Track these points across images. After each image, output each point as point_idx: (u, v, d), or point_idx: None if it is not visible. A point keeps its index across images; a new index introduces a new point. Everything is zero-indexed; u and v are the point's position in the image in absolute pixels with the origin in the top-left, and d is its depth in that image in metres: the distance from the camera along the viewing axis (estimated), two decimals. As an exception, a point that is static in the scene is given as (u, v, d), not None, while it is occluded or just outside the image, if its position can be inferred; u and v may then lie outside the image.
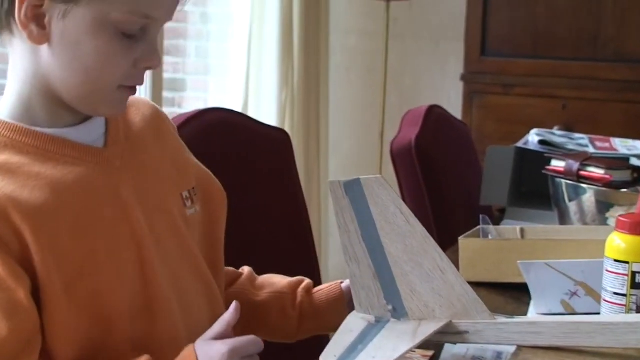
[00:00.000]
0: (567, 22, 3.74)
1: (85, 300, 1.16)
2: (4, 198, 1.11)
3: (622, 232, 1.28)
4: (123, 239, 1.20)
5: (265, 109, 3.60)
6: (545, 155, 2.06)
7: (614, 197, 1.87)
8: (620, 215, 1.30)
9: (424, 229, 1.20)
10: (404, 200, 2.32)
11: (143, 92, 3.12)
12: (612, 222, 1.80)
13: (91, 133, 1.24)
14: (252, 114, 3.51)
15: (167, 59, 3.48)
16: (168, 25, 3.68)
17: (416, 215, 1.21)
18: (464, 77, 3.86)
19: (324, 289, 1.48)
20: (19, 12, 1.14)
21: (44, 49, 1.17)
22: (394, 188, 1.23)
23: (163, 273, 1.23)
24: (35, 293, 1.13)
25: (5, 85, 1.23)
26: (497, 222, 2.22)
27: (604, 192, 1.88)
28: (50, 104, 1.20)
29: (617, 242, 1.28)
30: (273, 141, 1.88)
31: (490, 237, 1.74)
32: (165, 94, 3.42)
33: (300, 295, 1.48)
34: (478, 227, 1.75)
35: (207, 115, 1.73)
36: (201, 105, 3.77)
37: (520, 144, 2.34)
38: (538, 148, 2.25)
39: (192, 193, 1.34)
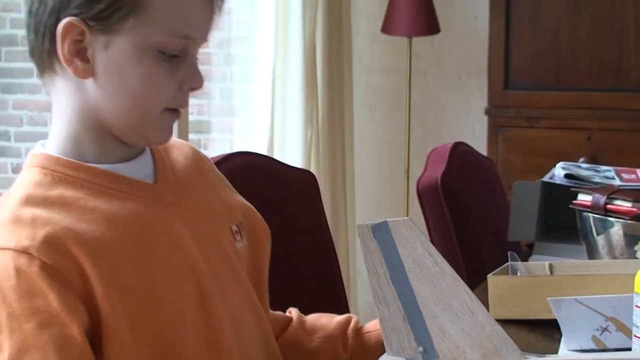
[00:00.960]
0: (589, 53, 3.75)
1: (149, 334, 1.17)
2: (62, 231, 1.13)
3: (651, 268, 1.28)
4: (181, 272, 1.22)
5: (291, 149, 3.62)
6: (572, 189, 2.06)
7: (643, 230, 1.87)
8: (649, 251, 1.30)
9: (452, 269, 1.21)
10: (431, 238, 2.33)
11: (169, 136, 3.15)
12: (641, 254, 1.80)
13: (141, 169, 1.27)
14: (277, 153, 3.53)
15: (192, 101, 3.50)
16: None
17: (444, 253, 1.21)
18: (487, 111, 3.87)
19: (373, 332, 1.49)
20: (62, 49, 1.17)
21: (89, 82, 1.19)
22: (420, 226, 1.24)
23: (221, 306, 1.25)
24: (97, 328, 1.14)
25: (50, 127, 1.25)
26: (525, 257, 2.22)
27: (632, 225, 1.87)
28: (100, 138, 1.23)
29: (646, 278, 1.28)
30: (300, 183, 1.89)
31: (518, 273, 1.74)
32: (191, 136, 3.45)
33: (351, 337, 1.50)
34: (506, 264, 1.75)
35: (233, 160, 1.75)
36: (227, 147, 3.79)
37: (546, 178, 2.34)
38: (564, 182, 2.24)
39: (240, 227, 1.37)
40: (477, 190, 2.46)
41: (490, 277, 1.66)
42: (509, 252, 1.78)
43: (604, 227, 1.91)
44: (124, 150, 1.25)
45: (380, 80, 4.33)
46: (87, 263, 1.12)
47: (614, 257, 1.89)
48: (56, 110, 1.24)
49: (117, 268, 1.15)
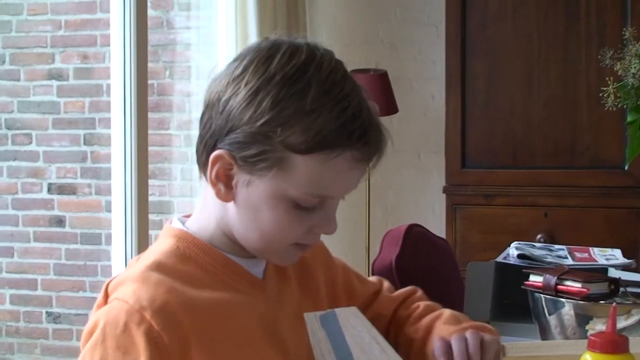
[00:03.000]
0: (544, 132, 3.82)
1: None
2: (180, 303, 1.21)
3: (594, 352, 1.30)
4: None
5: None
6: (524, 270, 2.09)
7: (593, 310, 1.89)
8: (592, 335, 1.33)
9: (399, 357, 1.23)
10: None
11: (129, 217, 3.16)
12: (592, 334, 1.82)
13: (257, 266, 1.34)
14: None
15: (152, 182, 3.54)
16: (153, 149, 3.70)
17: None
18: (445, 190, 3.91)
19: None
20: (210, 171, 1.24)
21: (230, 203, 1.26)
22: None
23: None
24: None
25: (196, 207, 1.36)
26: (480, 337, 2.23)
27: (582, 305, 1.90)
28: (229, 240, 1.30)
29: (589, 362, 1.31)
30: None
31: (471, 356, 1.75)
32: (152, 217, 3.46)
33: None
34: (459, 346, 1.77)
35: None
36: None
37: (500, 258, 2.37)
38: (517, 262, 2.28)
39: None
40: (432, 272, 2.48)
41: (443, 360, 1.67)
42: (461, 334, 1.79)
43: (556, 308, 1.93)
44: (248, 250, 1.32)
45: (340, 160, 4.36)
46: (193, 338, 1.20)
47: (566, 337, 1.92)
48: (203, 201, 1.33)
49: (220, 350, 1.22)
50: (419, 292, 1.62)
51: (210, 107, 1.26)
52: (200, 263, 1.28)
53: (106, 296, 1.26)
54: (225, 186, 1.25)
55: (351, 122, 1.21)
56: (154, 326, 1.18)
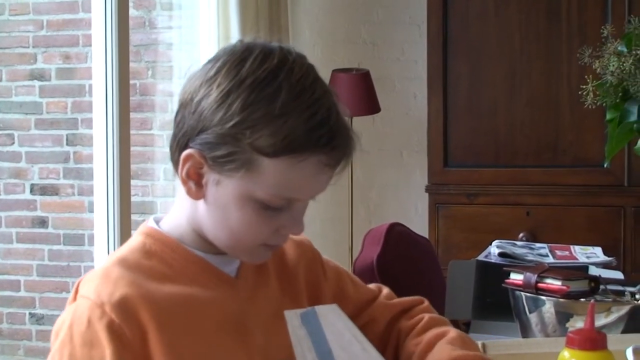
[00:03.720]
0: (527, 130, 3.84)
1: None
2: (138, 296, 1.24)
3: (572, 348, 1.31)
4: None
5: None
6: (504, 268, 2.10)
7: (573, 307, 1.90)
8: (570, 332, 1.34)
9: (379, 354, 1.23)
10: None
11: (111, 218, 3.15)
12: (572, 332, 1.83)
13: (229, 263, 1.36)
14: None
15: (135, 183, 3.53)
16: (136, 149, 3.68)
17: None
18: (428, 189, 3.93)
19: None
20: (181, 170, 1.26)
21: (201, 202, 1.28)
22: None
23: None
24: None
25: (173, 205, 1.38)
26: (462, 335, 2.24)
27: (563, 302, 1.91)
28: (200, 238, 1.33)
29: (567, 358, 1.31)
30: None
31: (452, 353, 1.76)
32: (135, 217, 3.46)
33: None
34: (440, 344, 1.77)
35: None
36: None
37: (481, 256, 2.38)
38: (498, 260, 2.28)
39: None
40: (413, 271, 2.48)
41: (424, 358, 1.67)
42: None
43: (536, 306, 1.94)
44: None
45: (323, 159, 4.36)
46: (152, 330, 1.22)
47: (547, 335, 1.93)
48: (178, 198, 1.35)
49: (180, 343, 1.24)
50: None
51: (183, 106, 1.27)
52: (165, 259, 1.31)
53: (76, 295, 1.29)
54: (195, 184, 1.27)
55: (319, 128, 1.22)
56: (115, 319, 1.21)
